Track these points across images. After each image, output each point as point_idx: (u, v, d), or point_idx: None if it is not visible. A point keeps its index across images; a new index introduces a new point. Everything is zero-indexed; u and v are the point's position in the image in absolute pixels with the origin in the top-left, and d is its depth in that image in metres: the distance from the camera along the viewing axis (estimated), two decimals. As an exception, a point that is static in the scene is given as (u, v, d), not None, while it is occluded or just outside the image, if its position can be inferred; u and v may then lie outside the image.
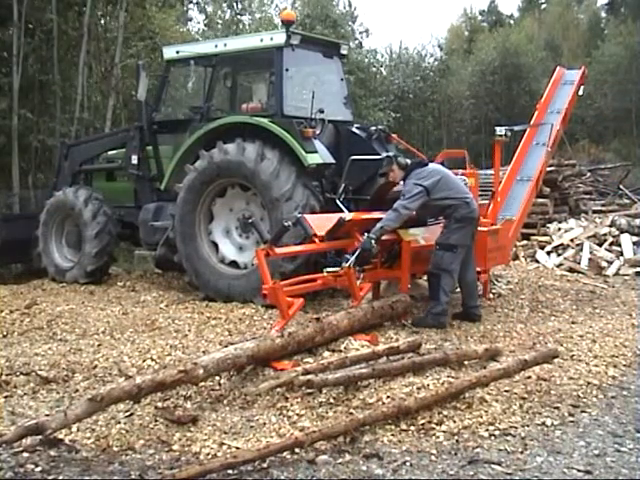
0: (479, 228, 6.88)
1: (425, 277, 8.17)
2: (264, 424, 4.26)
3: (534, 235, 11.84)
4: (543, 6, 49.95)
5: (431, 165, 6.80)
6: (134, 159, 9.21)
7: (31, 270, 10.23)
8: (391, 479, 3.59)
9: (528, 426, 4.22)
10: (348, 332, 5.73)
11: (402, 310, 6.51)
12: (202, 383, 4.92)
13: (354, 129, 8.75)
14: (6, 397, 4.77)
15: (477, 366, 5.26)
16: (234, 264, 8.05)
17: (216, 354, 4.74)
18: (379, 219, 6.53)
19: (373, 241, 6.27)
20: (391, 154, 6.96)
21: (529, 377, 4.97)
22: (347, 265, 6.12)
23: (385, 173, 7.05)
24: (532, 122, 8.98)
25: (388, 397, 4.52)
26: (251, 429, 4.21)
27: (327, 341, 5.54)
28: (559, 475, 3.63)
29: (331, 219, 6.52)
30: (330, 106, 8.58)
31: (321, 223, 6.39)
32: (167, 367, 5.25)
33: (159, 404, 4.57)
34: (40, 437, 3.98)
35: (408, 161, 6.91)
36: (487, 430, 4.14)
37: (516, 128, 8.24)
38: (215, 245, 8.16)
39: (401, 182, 6.85)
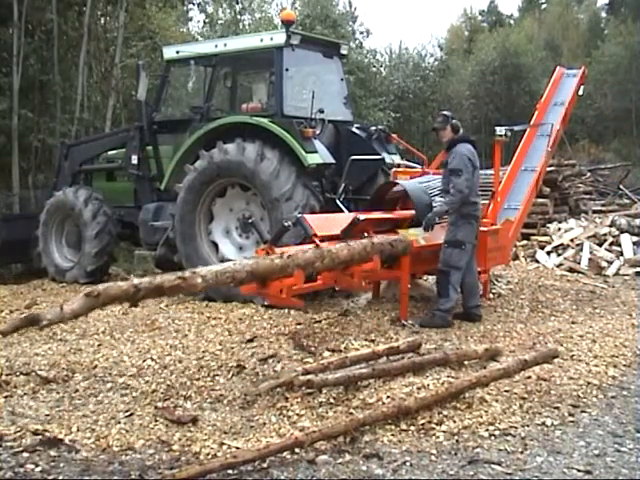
0: (479, 228, 6.89)
1: (425, 277, 8.22)
2: (264, 424, 4.26)
3: (534, 235, 11.83)
4: (543, 6, 49.94)
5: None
6: (134, 159, 9.21)
7: (31, 270, 10.23)
8: (391, 479, 3.59)
9: (528, 426, 4.22)
10: (347, 262, 5.66)
11: (401, 249, 6.47)
12: (202, 383, 4.94)
13: (354, 129, 8.76)
14: (6, 397, 4.77)
15: (477, 366, 5.26)
16: (234, 264, 8.04)
17: (215, 266, 4.71)
18: (392, 219, 6.58)
19: (437, 218, 6.67)
20: (448, 114, 6.92)
21: (529, 377, 4.97)
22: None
23: (437, 129, 6.95)
24: (532, 122, 8.98)
25: (388, 397, 4.52)
26: (251, 429, 4.21)
27: (326, 268, 5.42)
28: (559, 475, 3.63)
29: (331, 219, 6.53)
30: (330, 106, 8.58)
31: (321, 223, 6.39)
32: (167, 366, 5.27)
33: (159, 404, 4.58)
34: (40, 436, 3.99)
35: (460, 126, 6.90)
36: (487, 430, 4.14)
37: (516, 128, 8.24)
38: (215, 245, 8.16)
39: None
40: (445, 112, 7.05)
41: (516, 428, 4.18)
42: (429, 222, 6.66)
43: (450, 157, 6.69)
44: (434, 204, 7.18)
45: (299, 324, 6.47)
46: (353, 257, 5.76)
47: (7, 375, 5.13)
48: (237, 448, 3.87)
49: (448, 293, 6.58)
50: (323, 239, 6.57)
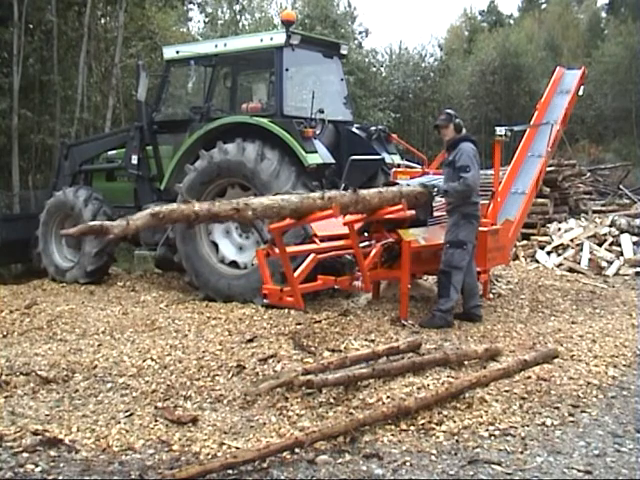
0: (479, 228, 6.90)
1: (425, 277, 8.22)
2: (264, 424, 4.26)
3: (534, 235, 11.83)
4: (543, 6, 49.92)
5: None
6: (134, 159, 9.20)
7: (31, 270, 10.23)
8: (391, 479, 3.59)
9: (528, 426, 4.23)
10: (377, 208, 6.24)
11: (423, 202, 6.77)
12: (202, 383, 4.95)
13: (354, 129, 8.75)
14: (6, 397, 4.77)
15: (477, 366, 5.26)
16: (234, 264, 8.05)
17: (265, 199, 5.34)
18: (397, 220, 6.61)
19: (440, 195, 6.78)
20: (452, 112, 6.91)
21: (529, 377, 4.97)
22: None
23: (439, 126, 6.94)
24: (532, 122, 8.97)
25: (388, 397, 4.52)
26: (251, 429, 4.21)
27: (358, 212, 6.17)
28: (559, 475, 3.63)
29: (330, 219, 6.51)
30: (330, 106, 8.58)
31: (321, 223, 6.40)
32: (167, 366, 5.27)
33: (159, 404, 4.58)
34: (40, 436, 3.99)
35: (462, 125, 6.91)
36: (487, 430, 4.15)
37: (516, 128, 8.23)
38: (215, 245, 8.16)
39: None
40: (449, 110, 7.03)
41: (516, 428, 4.19)
42: (438, 190, 6.71)
43: (456, 155, 6.66)
44: (434, 204, 7.18)
45: (299, 324, 6.46)
46: (382, 205, 6.28)
47: (7, 375, 5.13)
48: (237, 448, 3.87)
49: (449, 293, 6.59)
50: (323, 239, 6.60)
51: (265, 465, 3.68)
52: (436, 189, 6.74)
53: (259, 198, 5.49)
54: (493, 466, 3.70)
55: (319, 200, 5.71)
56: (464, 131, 6.92)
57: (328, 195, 5.84)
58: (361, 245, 6.67)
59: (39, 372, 5.16)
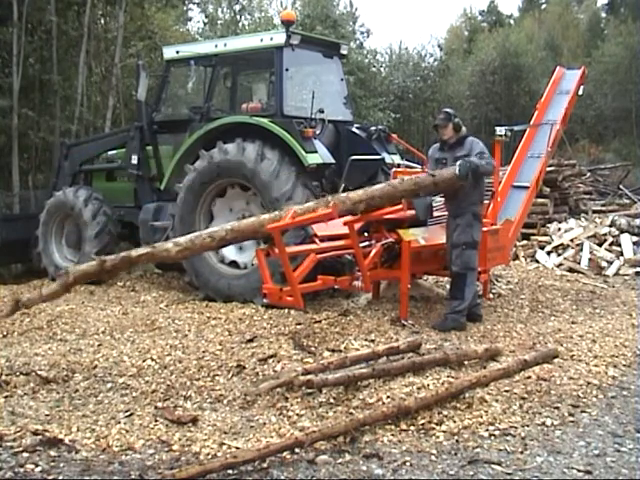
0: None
1: (425, 277, 8.22)
2: (264, 424, 4.26)
3: (534, 235, 11.82)
4: (543, 6, 49.90)
5: None
6: (134, 159, 9.20)
7: (31, 270, 10.23)
8: (391, 479, 3.59)
9: (528, 426, 4.23)
10: (410, 194, 6.47)
11: (444, 183, 6.44)
12: (202, 383, 4.95)
13: (354, 129, 8.75)
14: (6, 397, 4.77)
15: (477, 366, 5.26)
16: (234, 264, 8.05)
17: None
18: (397, 219, 6.61)
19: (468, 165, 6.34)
20: (450, 111, 6.80)
21: (529, 377, 4.97)
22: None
23: (438, 126, 6.83)
24: (532, 122, 8.97)
25: (388, 397, 4.52)
26: (251, 429, 4.21)
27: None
28: (559, 475, 3.63)
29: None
30: (330, 106, 8.58)
31: (321, 223, 6.40)
32: (167, 366, 5.27)
33: (159, 404, 4.58)
34: (40, 436, 3.99)
35: (462, 124, 6.81)
36: (487, 430, 4.15)
37: (516, 128, 8.24)
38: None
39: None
40: (447, 109, 6.96)
41: (516, 428, 4.19)
42: (466, 167, 6.28)
43: (469, 147, 6.58)
44: (434, 204, 7.18)
45: (299, 324, 6.46)
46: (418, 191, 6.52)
47: (7, 375, 5.13)
48: (237, 448, 3.87)
49: (463, 295, 6.55)
50: (323, 239, 6.60)
51: (265, 465, 3.68)
52: (468, 165, 6.31)
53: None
54: (493, 466, 3.70)
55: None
56: (464, 129, 6.86)
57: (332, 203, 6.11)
58: (361, 245, 6.66)
59: (39, 372, 5.16)
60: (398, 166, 8.49)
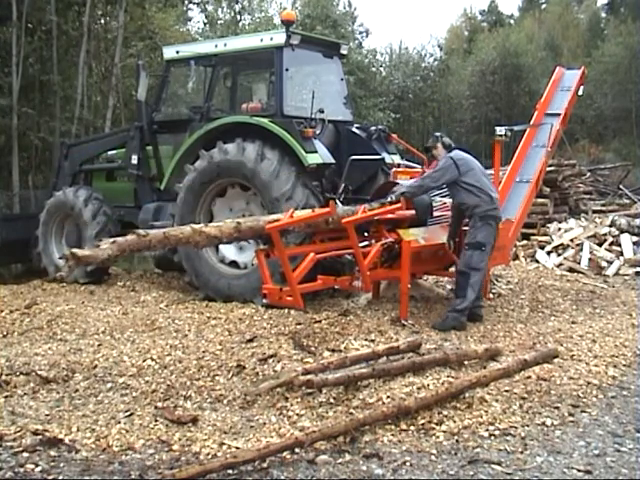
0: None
1: (425, 277, 8.22)
2: (264, 424, 4.26)
3: (534, 235, 11.83)
4: (543, 6, 49.96)
5: (470, 156, 6.95)
6: (134, 159, 9.20)
7: (31, 270, 10.22)
8: (391, 479, 3.59)
9: (528, 426, 4.23)
10: None
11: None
12: (202, 383, 4.95)
13: (354, 129, 8.75)
14: (6, 397, 4.77)
15: (477, 366, 5.26)
16: (234, 264, 8.04)
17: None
18: (394, 219, 6.62)
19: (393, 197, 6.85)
20: (438, 134, 7.18)
21: (529, 377, 4.97)
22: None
23: (429, 148, 7.18)
24: (532, 122, 8.97)
25: (388, 397, 4.52)
26: (251, 429, 4.21)
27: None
28: (559, 475, 3.63)
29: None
30: (330, 106, 8.57)
31: None
32: (167, 366, 5.27)
33: (159, 404, 4.58)
34: (40, 436, 3.99)
35: (452, 143, 7.08)
36: (487, 430, 4.15)
37: (516, 128, 8.23)
38: (215, 245, 8.15)
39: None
40: (436, 133, 7.31)
41: (516, 428, 4.19)
42: (397, 195, 6.84)
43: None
44: (434, 204, 7.18)
45: (299, 324, 6.46)
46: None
47: (7, 375, 5.12)
48: (237, 448, 3.87)
49: (465, 294, 6.55)
50: (323, 239, 6.60)
51: (265, 465, 3.68)
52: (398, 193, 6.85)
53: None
54: (493, 466, 3.70)
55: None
56: (453, 146, 7.05)
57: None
58: (361, 245, 6.67)
59: (39, 372, 5.15)
60: (398, 166, 8.49)
